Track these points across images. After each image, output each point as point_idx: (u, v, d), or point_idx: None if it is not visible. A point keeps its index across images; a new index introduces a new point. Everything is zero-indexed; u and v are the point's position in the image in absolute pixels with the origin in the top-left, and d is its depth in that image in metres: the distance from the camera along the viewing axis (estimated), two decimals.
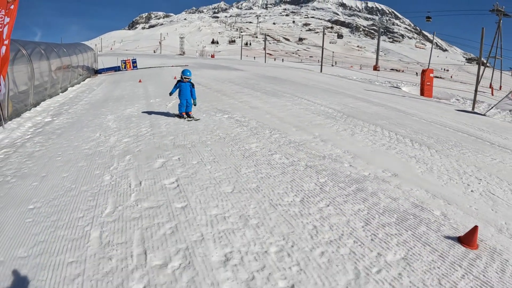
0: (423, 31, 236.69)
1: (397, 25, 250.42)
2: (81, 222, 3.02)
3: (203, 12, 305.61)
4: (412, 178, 4.13)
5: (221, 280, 2.22)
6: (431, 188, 3.84)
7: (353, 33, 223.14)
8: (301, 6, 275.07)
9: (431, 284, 2.22)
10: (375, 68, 53.21)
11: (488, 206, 3.47)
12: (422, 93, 17.97)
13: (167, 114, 8.06)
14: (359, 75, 31.37)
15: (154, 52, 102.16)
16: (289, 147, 5.26)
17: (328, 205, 3.31)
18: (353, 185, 3.83)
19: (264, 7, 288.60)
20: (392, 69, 65.08)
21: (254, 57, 75.29)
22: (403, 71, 64.40)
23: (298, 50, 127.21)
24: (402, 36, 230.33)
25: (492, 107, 11.67)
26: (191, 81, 7.52)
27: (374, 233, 2.81)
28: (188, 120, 7.37)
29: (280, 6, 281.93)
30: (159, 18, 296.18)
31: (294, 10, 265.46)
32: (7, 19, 6.83)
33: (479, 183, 4.08)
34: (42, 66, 10.97)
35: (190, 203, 3.35)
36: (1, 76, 6.96)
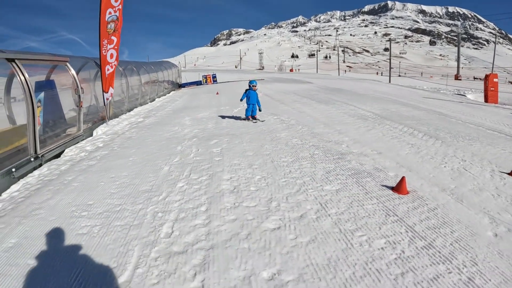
0: (509, 35, 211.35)
1: (481, 29, 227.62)
2: (160, 164, 5.33)
3: (282, 27, 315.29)
4: (392, 155, 5.48)
5: (223, 184, 4.26)
6: (404, 163, 5.11)
7: (435, 41, 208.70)
8: (380, 16, 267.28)
9: (349, 203, 3.86)
10: (456, 77, 50.07)
11: (449, 176, 4.49)
12: (486, 100, 17.75)
13: (230, 117, 10.26)
14: (430, 85, 30.90)
15: (236, 67, 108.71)
16: (308, 135, 7.05)
17: (308, 163, 5.11)
18: (337, 155, 5.49)
19: (343, 19, 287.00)
20: (475, 78, 60.36)
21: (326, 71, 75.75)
22: (481, 79, 59.44)
23: (378, 61, 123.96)
24: (487, 41, 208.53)
25: None
26: (257, 89, 9.39)
27: (327, 177, 4.49)
28: (254, 122, 9.14)
29: (358, 17, 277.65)
30: (239, 35, 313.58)
31: (372, 21, 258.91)
32: (110, 46, 9.82)
33: (459, 163, 5.03)
34: (134, 80, 14.28)
35: (223, 158, 5.47)
36: (110, 88, 10.02)
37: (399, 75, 55.26)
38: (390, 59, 31.46)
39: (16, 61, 6.00)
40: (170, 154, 5.97)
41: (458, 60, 60.55)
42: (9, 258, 2.81)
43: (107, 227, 3.29)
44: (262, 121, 9.14)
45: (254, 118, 9.32)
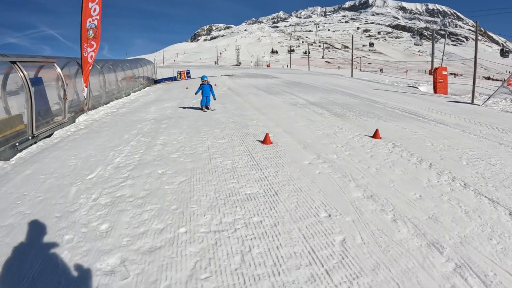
0: (488, 32, 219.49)
1: (460, 26, 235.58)
2: (123, 134, 7.89)
3: (262, 22, 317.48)
4: (284, 126, 8.06)
5: (158, 141, 6.87)
6: (289, 129, 7.66)
7: (414, 37, 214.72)
8: (360, 12, 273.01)
9: (225, 147, 6.53)
10: (431, 72, 53.30)
11: (315, 136, 7.08)
12: (435, 91, 19.74)
13: (188, 107, 12.66)
14: (393, 80, 33.95)
15: (215, 63, 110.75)
16: (236, 116, 9.66)
17: (219, 130, 7.74)
18: (243, 126, 8.12)
19: (323, 15, 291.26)
20: (451, 73, 64.05)
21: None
22: (461, 75, 63.19)
23: (357, 57, 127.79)
24: (466, 38, 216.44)
25: (489, 98, 13.72)
26: (209, 83, 11.43)
27: (223, 137, 7.11)
28: (205, 111, 11.27)
29: (339, 13, 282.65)
30: (220, 30, 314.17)
31: (353, 17, 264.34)
32: (90, 49, 12.21)
33: (335, 130, 7.54)
34: (111, 77, 16.66)
35: (165, 129, 8.09)
36: (85, 85, 12.47)
37: (360, 70, 58.27)
38: (352, 55, 34.41)
39: (18, 63, 8.38)
40: (131, 129, 8.52)
41: (432, 55, 64.22)
42: (43, 167, 5.37)
43: (85, 162, 5.87)
44: (213, 110, 11.39)
45: (207, 107, 11.48)
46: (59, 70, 10.57)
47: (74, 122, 11.08)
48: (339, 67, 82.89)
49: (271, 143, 6.60)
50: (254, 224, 3.36)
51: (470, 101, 14.24)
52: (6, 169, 5.84)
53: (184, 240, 3.07)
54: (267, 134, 6.69)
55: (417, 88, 23.11)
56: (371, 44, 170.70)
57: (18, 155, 7.25)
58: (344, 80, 28.66)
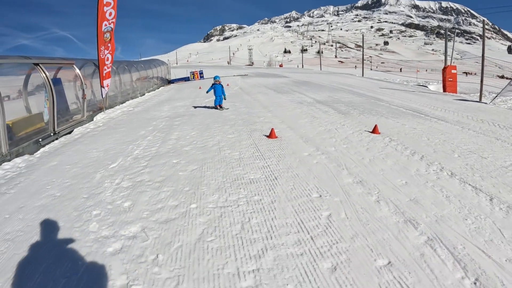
0: (502, 30, 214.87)
1: (474, 24, 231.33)
2: (139, 130, 8.53)
3: (275, 22, 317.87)
4: (289, 122, 8.57)
5: (172, 136, 7.48)
6: (293, 125, 8.16)
7: (427, 36, 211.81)
8: (373, 11, 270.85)
9: (233, 141, 7.08)
10: None
11: (316, 131, 7.61)
12: (444, 89, 19.75)
13: (201, 106, 13.25)
14: (404, 78, 34.00)
15: (228, 63, 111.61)
16: (244, 114, 10.19)
17: (228, 126, 8.30)
18: (250, 123, 8.64)
19: (336, 14, 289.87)
20: (464, 72, 63.27)
21: (301, 65, 76.98)
22: (475, 73, 62.31)
23: (370, 56, 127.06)
24: (480, 36, 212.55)
25: (496, 96, 13.75)
26: (221, 83, 11.87)
27: (233, 132, 7.65)
28: (220, 110, 11.73)
29: (351, 12, 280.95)
30: (232, 30, 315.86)
31: (366, 16, 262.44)
32: (106, 51, 12.95)
33: (337, 126, 7.97)
34: (126, 78, 17.43)
35: (179, 126, 8.69)
36: (106, 86, 13.20)
37: (371, 69, 58.00)
38: (363, 54, 34.57)
39: (40, 64, 9.08)
40: (147, 126, 9.16)
41: (445, 54, 63.63)
42: (72, 155, 6.03)
43: (106, 154, 6.50)
44: (227, 108, 11.79)
45: (220, 106, 11.91)
46: (77, 71, 11.30)
47: (93, 120, 11.80)
48: (356, 66, 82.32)
49: (276, 137, 7.11)
50: (255, 201, 3.91)
51: (478, 100, 14.29)
52: (32, 161, 6.51)
53: (195, 213, 3.64)
54: (272, 129, 7.22)
55: (426, 87, 22.93)
56: (386, 43, 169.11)
57: (42, 149, 7.90)
58: (353, 79, 28.90)
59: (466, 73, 61.58)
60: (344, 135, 7.18)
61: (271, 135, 7.14)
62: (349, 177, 4.65)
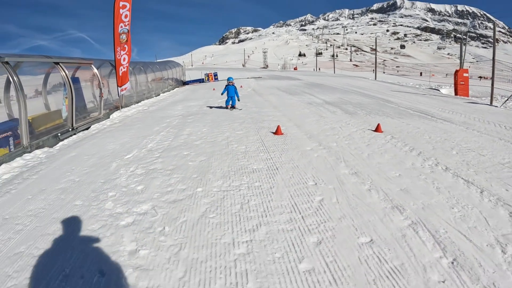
0: None
1: (490, 28, 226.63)
2: (153, 127, 9.01)
3: (290, 25, 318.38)
4: (296, 121, 8.88)
5: (185, 131, 7.92)
6: (300, 124, 8.47)
7: (443, 40, 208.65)
8: (389, 14, 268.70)
9: (241, 137, 7.48)
10: None
11: (321, 129, 7.90)
12: (456, 93, 19.73)
13: (213, 106, 13.68)
14: (417, 82, 33.84)
15: (243, 65, 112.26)
16: (254, 113, 10.56)
17: (237, 124, 8.68)
18: (259, 121, 9.00)
19: (351, 17, 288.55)
20: (480, 77, 62.09)
21: (319, 68, 76.66)
22: (489, 78, 60.96)
23: (384, 60, 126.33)
24: (497, 40, 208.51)
25: (507, 100, 13.61)
26: (234, 84, 12.12)
27: (241, 129, 8.07)
28: (231, 110, 11.98)
29: (367, 15, 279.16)
30: (247, 33, 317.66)
31: (381, 19, 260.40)
32: (122, 52, 13.54)
33: (342, 125, 8.25)
34: (142, 78, 18.05)
35: (192, 123, 9.14)
36: (127, 83, 13.79)
37: (384, 72, 57.55)
38: (376, 57, 34.60)
39: (60, 64, 9.65)
40: (161, 123, 9.64)
41: (460, 58, 62.70)
42: (90, 147, 6.52)
43: (122, 147, 6.97)
44: (240, 109, 12.00)
45: (233, 107, 12.18)
46: (95, 70, 11.90)
47: (109, 117, 12.37)
48: (373, 70, 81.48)
49: (282, 134, 7.47)
50: (255, 187, 4.28)
51: (489, 103, 14.25)
52: (52, 152, 7.04)
53: (200, 195, 4.04)
54: (278, 126, 7.59)
55: (438, 90, 22.84)
56: (402, 47, 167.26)
57: (61, 143, 8.44)
58: (365, 82, 28.98)
59: (480, 77, 60.39)
60: (347, 133, 7.47)
61: (277, 131, 7.49)
62: (345, 169, 4.97)
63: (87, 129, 10.28)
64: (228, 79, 12.10)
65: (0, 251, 3.02)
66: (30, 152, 7.07)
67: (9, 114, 8.08)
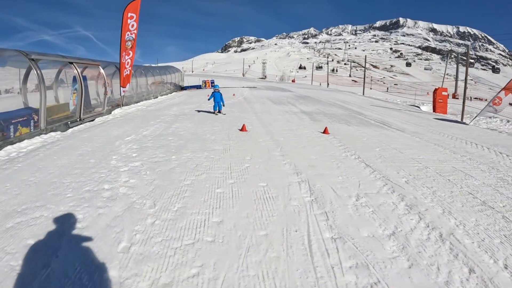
0: None
1: (491, 50, 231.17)
2: (150, 122, 11.21)
3: (293, 37, 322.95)
4: (266, 123, 11.03)
5: (174, 125, 10.13)
6: (266, 125, 10.58)
7: (443, 60, 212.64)
8: (391, 32, 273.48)
9: (212, 134, 9.70)
10: (454, 96, 52.10)
11: (281, 129, 9.98)
12: (434, 110, 21.45)
13: (203, 110, 15.86)
14: (403, 99, 36.01)
15: (243, 75, 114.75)
16: (235, 118, 12.83)
17: (218, 123, 10.90)
18: (234, 123, 11.21)
19: (354, 33, 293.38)
20: (476, 98, 63.51)
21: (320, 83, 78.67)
22: (486, 100, 63.54)
23: (384, 77, 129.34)
24: (496, 62, 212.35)
25: (476, 116, 14.72)
26: (220, 91, 13.89)
27: (214, 128, 10.35)
28: (216, 114, 13.69)
29: (369, 32, 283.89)
30: (250, 43, 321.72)
31: (383, 36, 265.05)
32: (127, 57, 15.73)
33: (299, 128, 10.21)
34: (142, 81, 20.29)
35: (181, 120, 11.36)
36: (128, 85, 16.01)
37: (371, 89, 59.95)
38: (364, 72, 36.96)
39: (74, 63, 11.80)
40: (156, 119, 11.81)
41: (456, 79, 64.85)
42: (96, 134, 8.72)
43: (124, 133, 9.15)
44: (224, 114, 13.83)
45: (219, 112, 13.95)
46: (102, 71, 14.05)
47: (111, 113, 14.49)
48: (371, 87, 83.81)
49: (246, 130, 9.60)
50: (210, 158, 6.45)
51: (460, 120, 15.48)
52: (66, 134, 9.13)
53: (173, 159, 6.23)
54: (244, 124, 9.79)
55: (418, 107, 24.58)
56: (408, 64, 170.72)
57: (71, 130, 10.42)
58: (352, 97, 31.26)
59: (470, 98, 61.67)
60: (300, 133, 9.60)
61: (242, 128, 9.67)
62: (278, 152, 7.11)
63: (92, 121, 12.39)
64: (215, 86, 13.83)
65: (44, 180, 5.15)
66: (46, 134, 9.11)
67: (24, 103, 10.00)
